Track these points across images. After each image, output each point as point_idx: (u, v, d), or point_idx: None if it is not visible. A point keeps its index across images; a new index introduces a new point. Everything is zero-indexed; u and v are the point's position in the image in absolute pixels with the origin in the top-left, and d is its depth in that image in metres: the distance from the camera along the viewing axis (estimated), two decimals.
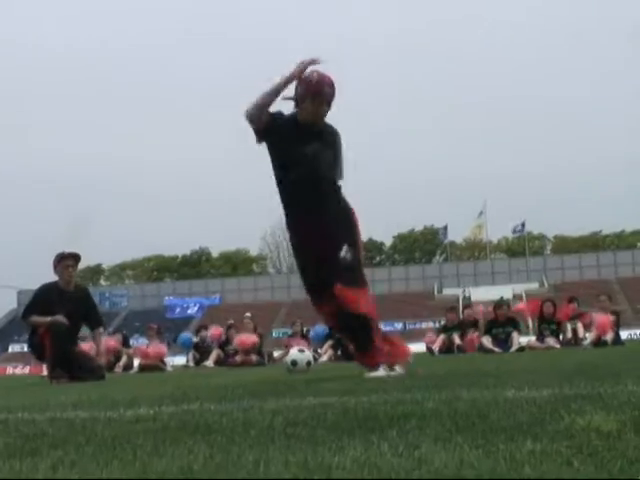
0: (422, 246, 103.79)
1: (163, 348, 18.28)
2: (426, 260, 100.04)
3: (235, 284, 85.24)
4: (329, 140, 6.21)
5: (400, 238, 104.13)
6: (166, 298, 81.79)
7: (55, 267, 10.23)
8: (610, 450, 1.72)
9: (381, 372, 6.02)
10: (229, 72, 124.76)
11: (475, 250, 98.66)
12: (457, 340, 16.84)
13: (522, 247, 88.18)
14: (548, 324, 16.65)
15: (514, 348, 15.45)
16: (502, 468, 1.61)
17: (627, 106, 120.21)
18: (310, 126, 6.17)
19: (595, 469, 1.56)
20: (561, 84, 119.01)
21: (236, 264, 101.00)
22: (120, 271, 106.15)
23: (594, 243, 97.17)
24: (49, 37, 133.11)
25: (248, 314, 19.17)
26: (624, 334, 20.66)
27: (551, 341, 16.11)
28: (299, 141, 6.14)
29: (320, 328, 18.37)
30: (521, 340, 16.36)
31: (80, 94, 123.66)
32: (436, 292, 75.58)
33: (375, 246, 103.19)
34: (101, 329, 10.81)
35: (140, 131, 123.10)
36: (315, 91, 6.06)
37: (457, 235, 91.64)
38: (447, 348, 16.75)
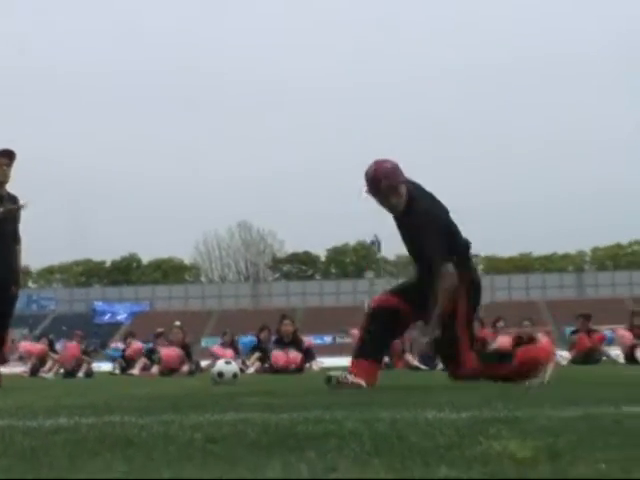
0: (355, 261, 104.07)
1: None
2: (358, 275, 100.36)
3: (166, 291, 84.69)
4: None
5: (334, 251, 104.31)
6: (95, 303, 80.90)
7: None
8: (522, 478, 1.74)
9: None
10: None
11: (407, 266, 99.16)
12: (385, 357, 16.88)
13: None
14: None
15: (441, 366, 15.50)
16: None
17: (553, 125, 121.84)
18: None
19: None
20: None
21: (167, 272, 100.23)
22: (48, 274, 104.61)
23: (524, 265, 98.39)
24: None
25: (177, 323, 19.01)
26: None
27: None
28: None
29: (248, 339, 18.32)
30: None
31: None
32: (366, 307, 75.74)
33: (310, 259, 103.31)
34: (19, 247, 9.65)
35: (65, 134, 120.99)
36: (373, 193, 6.10)
37: (390, 251, 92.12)
38: None
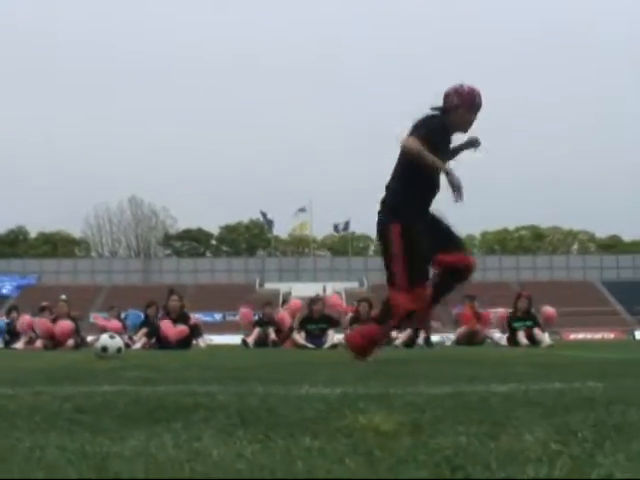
0: (248, 239, 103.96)
1: None
2: (251, 253, 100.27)
3: (54, 265, 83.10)
4: None
5: (227, 229, 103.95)
6: None
7: None
8: (383, 450, 1.77)
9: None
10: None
11: (300, 246, 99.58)
12: (272, 334, 16.95)
13: (346, 246, 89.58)
14: (362, 323, 16.92)
15: (328, 345, 15.61)
16: (275, 462, 1.64)
17: None
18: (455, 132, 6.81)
19: (365, 467, 1.61)
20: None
21: (56, 245, 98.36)
22: None
23: None
24: None
25: (63, 296, 18.78)
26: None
27: None
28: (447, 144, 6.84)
29: (135, 314, 18.17)
30: (337, 337, 16.58)
31: None
32: (258, 286, 75.87)
33: (203, 236, 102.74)
34: None
35: None
36: (472, 105, 6.72)
37: (283, 230, 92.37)
38: (262, 342, 16.83)
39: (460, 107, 6.65)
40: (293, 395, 2.98)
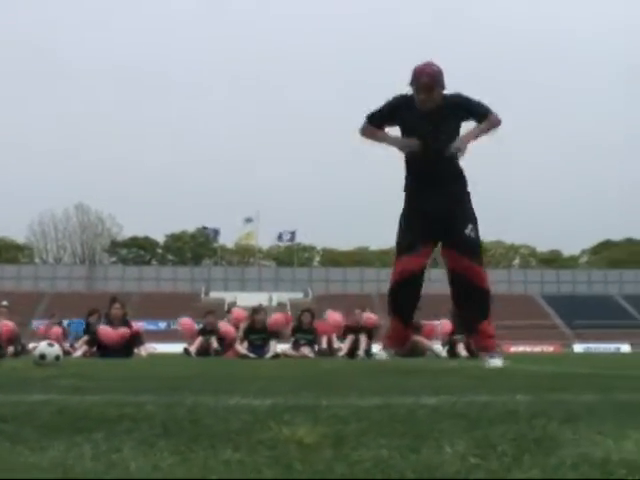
0: (194, 248, 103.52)
1: None
2: (197, 262, 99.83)
3: None
4: (446, 114, 6.86)
5: (173, 238, 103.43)
6: None
7: None
8: (304, 462, 1.78)
9: (498, 362, 6.96)
10: None
11: (245, 256, 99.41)
12: (215, 344, 16.91)
13: (291, 256, 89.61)
14: (304, 333, 16.97)
15: (270, 354, 15.62)
16: (192, 474, 1.64)
17: None
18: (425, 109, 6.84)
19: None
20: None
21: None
22: None
23: (360, 258, 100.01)
24: None
25: (5, 302, 18.55)
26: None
27: (306, 350, 16.43)
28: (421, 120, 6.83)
29: (78, 322, 18.00)
30: (279, 347, 16.60)
31: None
32: (203, 294, 75.58)
33: (149, 244, 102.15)
34: None
35: None
36: (417, 84, 6.76)
37: (229, 239, 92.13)
38: (205, 351, 16.78)
39: (411, 85, 6.79)
40: (222, 406, 2.97)
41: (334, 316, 17.88)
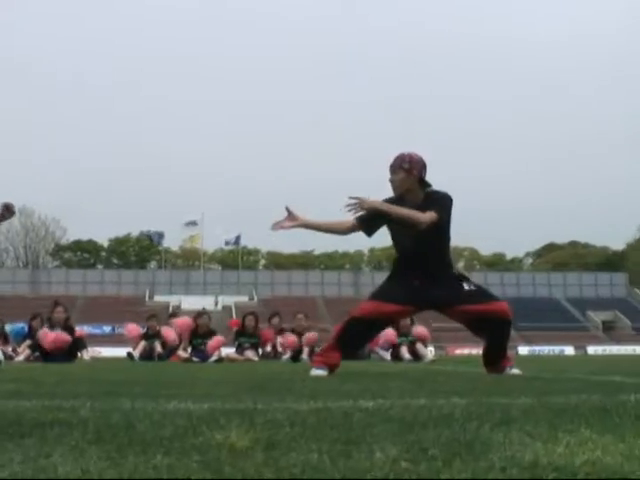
0: (138, 251, 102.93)
1: None
2: (142, 265, 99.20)
3: None
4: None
5: (117, 242, 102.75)
6: None
7: None
8: (234, 467, 1.78)
9: (517, 370, 6.98)
10: None
11: (190, 259, 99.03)
12: (158, 348, 16.83)
13: (236, 260, 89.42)
14: (248, 337, 16.94)
15: (213, 359, 15.54)
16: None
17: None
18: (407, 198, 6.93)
19: None
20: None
21: None
22: None
23: (305, 261, 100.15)
24: None
25: None
26: None
27: (250, 354, 16.40)
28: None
29: (19, 327, 17.81)
30: (224, 351, 16.55)
31: None
32: (147, 298, 75.13)
33: (93, 247, 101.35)
34: None
35: None
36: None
37: (174, 243, 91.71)
38: (148, 355, 16.69)
39: None
40: (158, 411, 2.96)
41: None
